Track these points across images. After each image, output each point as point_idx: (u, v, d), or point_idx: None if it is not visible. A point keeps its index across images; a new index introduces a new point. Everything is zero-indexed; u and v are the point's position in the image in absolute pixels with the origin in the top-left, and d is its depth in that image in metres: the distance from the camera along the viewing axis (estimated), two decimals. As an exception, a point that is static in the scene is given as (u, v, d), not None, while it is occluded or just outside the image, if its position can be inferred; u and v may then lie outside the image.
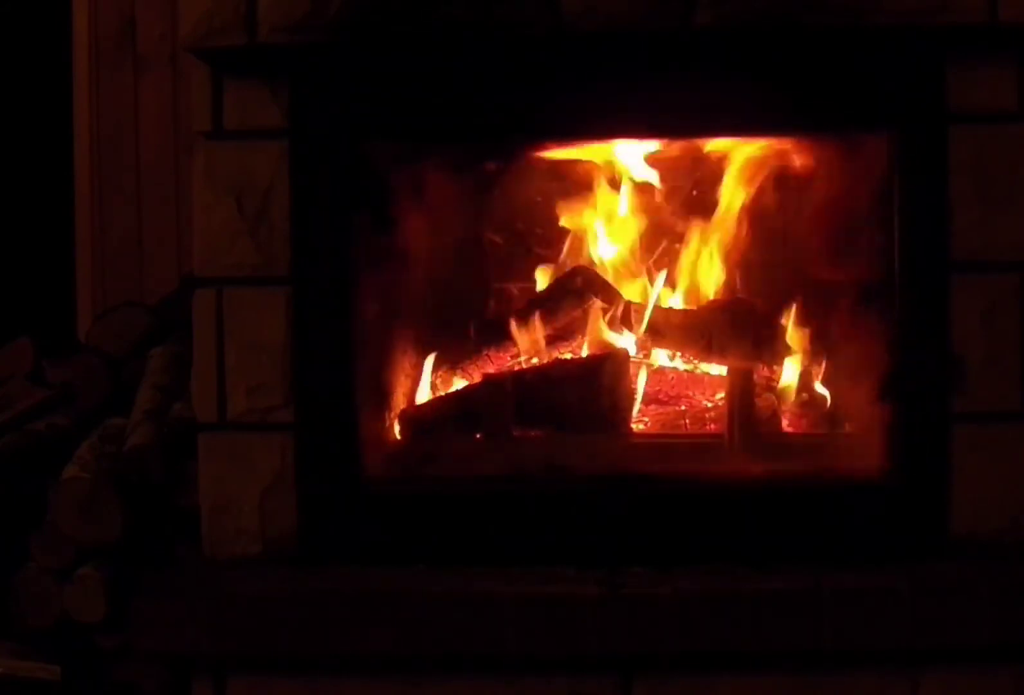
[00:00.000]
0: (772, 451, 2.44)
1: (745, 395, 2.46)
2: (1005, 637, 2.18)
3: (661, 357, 2.65)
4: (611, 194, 2.68)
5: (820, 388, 2.56)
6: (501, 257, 2.79)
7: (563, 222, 2.72)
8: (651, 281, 2.69)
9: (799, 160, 2.57)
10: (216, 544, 2.37)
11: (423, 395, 2.62)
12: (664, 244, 2.71)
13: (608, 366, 2.52)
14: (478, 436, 2.53)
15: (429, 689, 2.25)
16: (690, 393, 2.63)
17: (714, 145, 2.59)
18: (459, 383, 2.64)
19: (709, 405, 2.61)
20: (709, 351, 2.58)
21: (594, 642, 2.19)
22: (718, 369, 2.61)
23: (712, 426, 2.57)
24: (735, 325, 2.56)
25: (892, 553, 2.30)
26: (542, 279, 2.72)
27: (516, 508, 2.36)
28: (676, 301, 2.68)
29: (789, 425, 2.55)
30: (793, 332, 2.58)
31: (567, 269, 2.70)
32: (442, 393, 2.62)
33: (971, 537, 2.31)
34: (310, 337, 2.35)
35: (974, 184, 2.30)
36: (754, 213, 2.65)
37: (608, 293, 2.65)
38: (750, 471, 2.39)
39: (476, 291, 2.78)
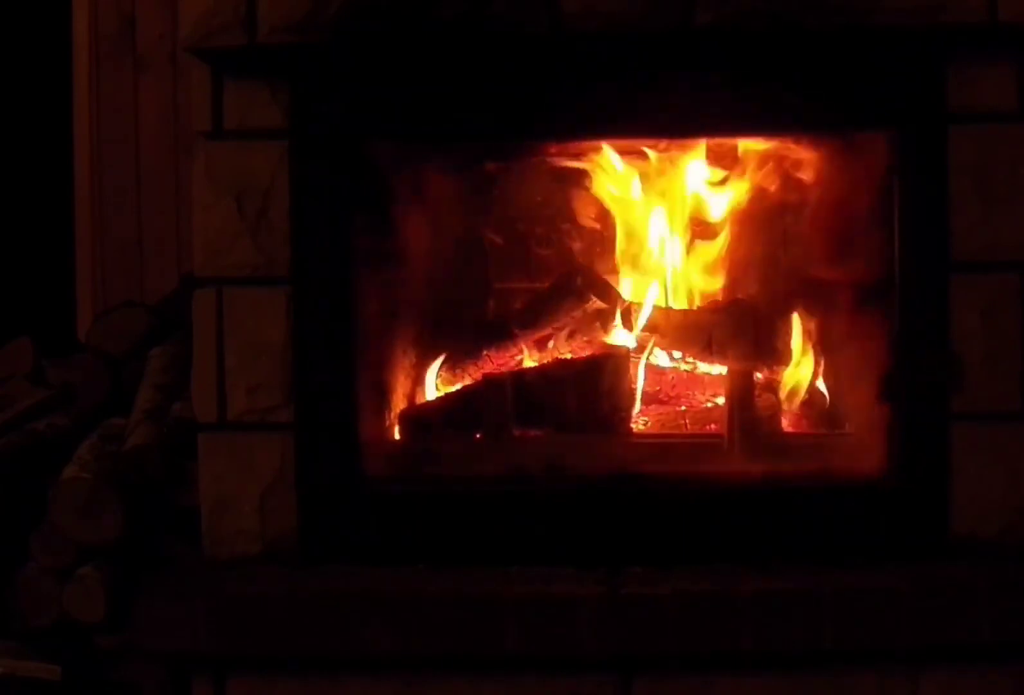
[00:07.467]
0: (772, 451, 2.44)
1: (745, 395, 2.46)
2: (1005, 637, 2.18)
3: (661, 357, 2.65)
4: (609, 195, 2.68)
5: (820, 388, 2.56)
6: (501, 257, 2.78)
7: (562, 222, 2.72)
8: (651, 281, 2.69)
9: (799, 160, 2.57)
10: (216, 544, 2.37)
11: (423, 395, 2.61)
12: (664, 244, 2.71)
13: (608, 366, 2.52)
14: (478, 436, 2.53)
15: (429, 689, 2.25)
16: (690, 393, 2.64)
17: (714, 145, 2.59)
18: (459, 383, 2.64)
19: (709, 405, 2.61)
20: (709, 351, 2.58)
21: (594, 642, 2.19)
22: (718, 369, 2.61)
23: (712, 426, 2.57)
24: (735, 325, 2.56)
25: (892, 553, 2.31)
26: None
27: (516, 508, 2.36)
28: (676, 301, 2.68)
29: (789, 425, 2.55)
30: (793, 332, 2.57)
31: (567, 269, 2.70)
32: (442, 393, 2.62)
33: (971, 537, 2.31)
34: (310, 337, 2.35)
35: (974, 184, 2.30)
36: (754, 213, 2.65)
37: (608, 293, 2.64)
38: (750, 471, 2.39)
39: (476, 291, 2.78)
